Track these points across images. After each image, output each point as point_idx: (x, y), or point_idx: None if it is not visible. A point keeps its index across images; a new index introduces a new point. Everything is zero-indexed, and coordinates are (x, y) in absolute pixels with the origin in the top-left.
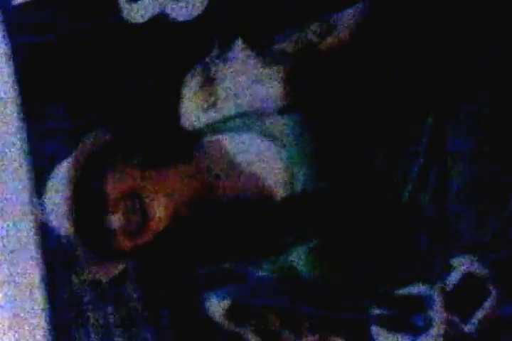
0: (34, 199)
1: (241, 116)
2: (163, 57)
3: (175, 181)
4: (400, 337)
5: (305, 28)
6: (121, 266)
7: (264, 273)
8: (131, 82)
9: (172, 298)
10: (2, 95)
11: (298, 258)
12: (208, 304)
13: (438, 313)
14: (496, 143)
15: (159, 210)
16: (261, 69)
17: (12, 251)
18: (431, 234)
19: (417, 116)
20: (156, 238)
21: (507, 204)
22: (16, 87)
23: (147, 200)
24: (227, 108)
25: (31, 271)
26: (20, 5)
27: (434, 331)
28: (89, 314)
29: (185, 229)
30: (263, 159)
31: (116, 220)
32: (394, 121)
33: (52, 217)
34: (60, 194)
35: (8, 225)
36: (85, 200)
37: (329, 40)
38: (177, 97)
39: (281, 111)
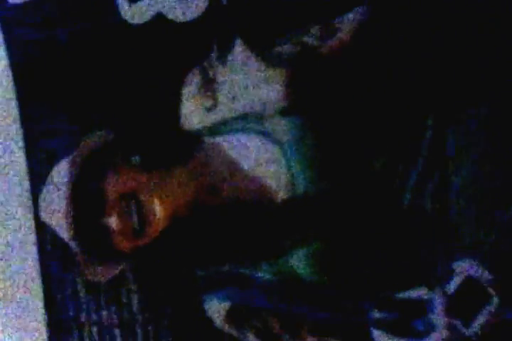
0: (32, 199)
1: (241, 118)
2: (163, 58)
3: (174, 183)
4: None
5: (306, 31)
6: (119, 268)
7: (264, 276)
8: (130, 83)
9: (171, 299)
10: None
11: (298, 260)
12: (207, 306)
13: (439, 317)
14: (498, 146)
15: (158, 212)
16: (261, 71)
17: (9, 251)
18: (432, 238)
19: (417, 119)
20: (156, 239)
21: (509, 208)
22: (13, 88)
23: (146, 201)
24: (228, 110)
25: (28, 271)
26: (17, 5)
27: (435, 335)
28: (86, 315)
29: (185, 230)
30: (263, 161)
31: (114, 221)
32: (395, 123)
33: (50, 218)
34: (59, 194)
35: (5, 225)
36: (84, 201)
37: (330, 43)
38: (177, 98)
39: (282, 114)
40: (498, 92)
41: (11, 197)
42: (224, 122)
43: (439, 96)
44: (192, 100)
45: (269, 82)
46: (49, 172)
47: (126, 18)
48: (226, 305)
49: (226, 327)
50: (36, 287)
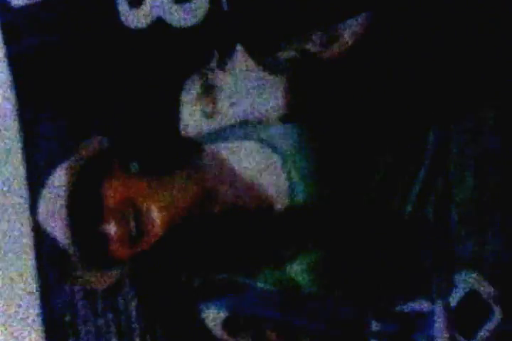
0: (30, 205)
1: (241, 124)
2: (163, 64)
3: (172, 189)
4: None
5: (307, 38)
6: (117, 275)
7: (262, 285)
8: (130, 88)
9: (168, 308)
10: None
11: (297, 270)
12: (204, 315)
13: (440, 331)
14: (502, 158)
15: (156, 219)
16: (262, 78)
17: (5, 257)
18: (434, 250)
19: (420, 127)
20: (153, 247)
21: None
22: (12, 92)
23: (144, 208)
24: (227, 116)
25: (25, 278)
26: (18, 8)
27: None
28: (83, 322)
29: (183, 238)
30: (263, 168)
31: (112, 228)
32: (397, 133)
33: (47, 224)
34: (56, 200)
35: (2, 230)
36: (81, 207)
37: (331, 49)
38: (176, 104)
39: (282, 121)
40: (502, 102)
41: (6, 203)
42: (223, 129)
43: (442, 106)
44: (191, 107)
45: (270, 89)
46: (46, 178)
47: (127, 22)
48: (223, 314)
49: (223, 337)
50: (33, 294)
